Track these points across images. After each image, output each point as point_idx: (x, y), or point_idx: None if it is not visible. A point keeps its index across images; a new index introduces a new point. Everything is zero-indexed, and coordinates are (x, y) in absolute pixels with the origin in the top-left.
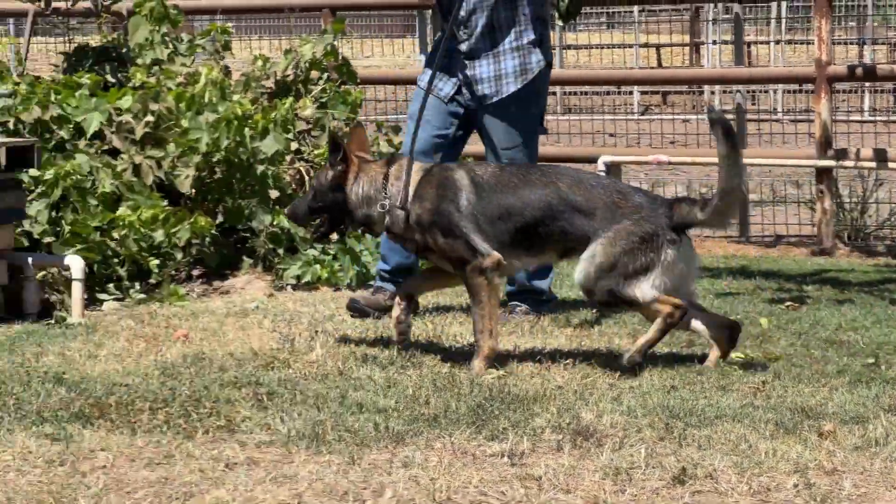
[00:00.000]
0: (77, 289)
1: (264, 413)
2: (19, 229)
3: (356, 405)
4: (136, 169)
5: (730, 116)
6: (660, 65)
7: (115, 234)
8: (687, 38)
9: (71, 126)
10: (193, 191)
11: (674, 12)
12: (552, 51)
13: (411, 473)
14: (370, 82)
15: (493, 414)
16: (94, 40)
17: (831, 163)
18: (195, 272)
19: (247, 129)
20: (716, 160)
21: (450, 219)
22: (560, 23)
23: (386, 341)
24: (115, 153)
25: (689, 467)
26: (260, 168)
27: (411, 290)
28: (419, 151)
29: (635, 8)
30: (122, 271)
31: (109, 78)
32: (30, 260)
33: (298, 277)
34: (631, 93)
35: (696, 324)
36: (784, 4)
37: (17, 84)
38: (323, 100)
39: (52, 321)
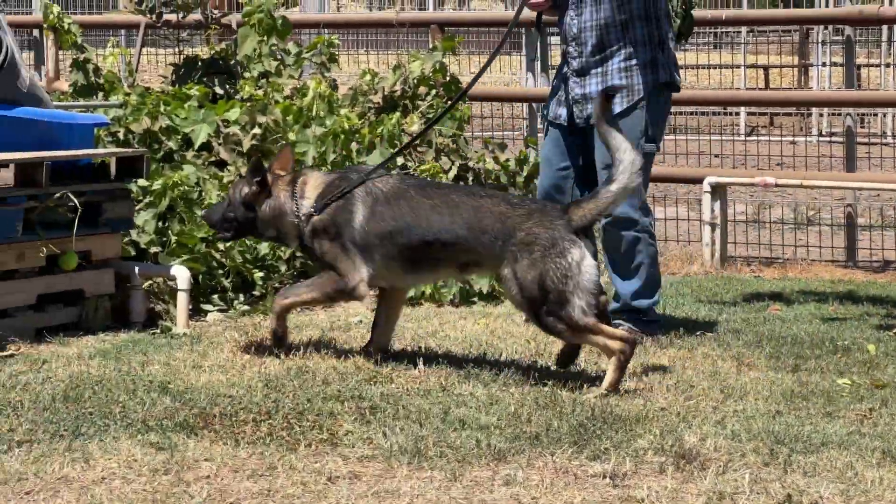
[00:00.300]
0: (182, 299)
1: (367, 427)
2: (127, 239)
3: (458, 421)
4: None
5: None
6: (767, 86)
7: (221, 246)
8: (795, 60)
9: (179, 137)
10: None
11: (783, 33)
12: (674, 70)
13: (513, 492)
14: (477, 99)
15: (594, 434)
16: (203, 52)
17: None
18: None
19: (353, 144)
20: (826, 183)
21: (339, 231)
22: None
23: (489, 359)
24: (222, 165)
25: (795, 494)
26: None
27: (382, 343)
28: (545, 191)
29: (743, 28)
30: (226, 283)
31: (218, 90)
32: (136, 269)
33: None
34: (737, 114)
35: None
36: None
37: (128, 95)
38: (430, 115)
39: (158, 331)
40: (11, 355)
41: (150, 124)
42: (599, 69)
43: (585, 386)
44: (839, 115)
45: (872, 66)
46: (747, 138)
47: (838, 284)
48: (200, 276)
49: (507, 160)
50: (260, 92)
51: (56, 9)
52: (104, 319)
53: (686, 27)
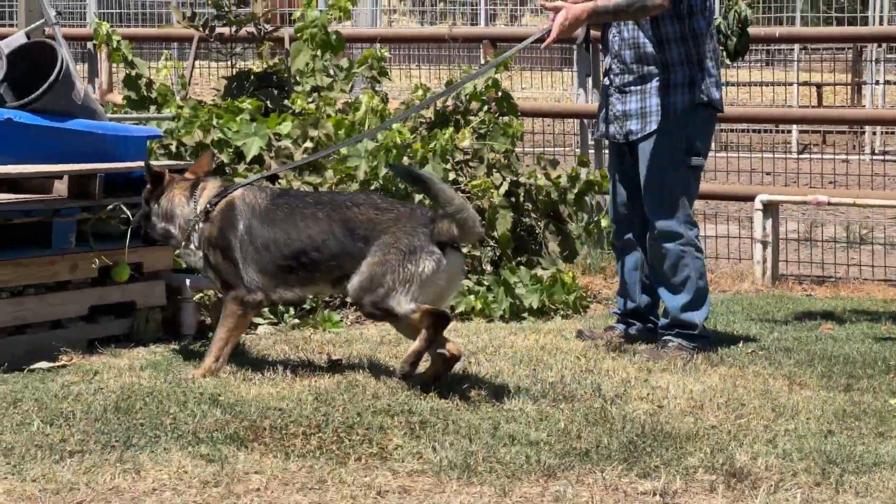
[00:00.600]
0: None
1: (416, 442)
2: None
3: (508, 437)
4: None
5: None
6: (820, 104)
7: None
8: (848, 78)
9: (231, 150)
10: None
11: (836, 51)
12: (714, 90)
13: None
14: (528, 114)
15: (644, 451)
16: (256, 66)
17: None
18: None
19: (405, 158)
20: (879, 202)
21: (227, 243)
22: (728, 61)
23: (538, 374)
24: (273, 178)
25: None
26: (417, 198)
27: None
28: (615, 208)
29: (796, 46)
30: None
31: (269, 103)
32: (188, 282)
33: (452, 308)
34: (789, 131)
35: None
36: None
37: (180, 108)
38: (482, 131)
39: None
40: (64, 366)
41: (202, 137)
42: (638, 87)
43: (635, 402)
44: (892, 133)
45: None
46: (799, 156)
47: (891, 304)
48: None
49: (559, 177)
50: (312, 106)
51: (106, 26)
52: (155, 331)
53: (741, 45)
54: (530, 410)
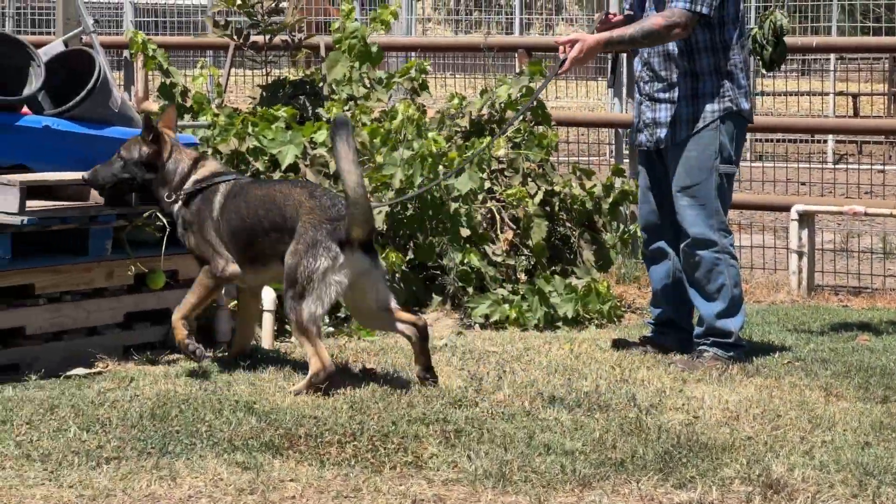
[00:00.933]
0: (268, 319)
1: (451, 451)
2: None
3: (543, 446)
4: None
5: None
6: (856, 114)
7: None
8: (885, 88)
9: (266, 158)
10: (385, 226)
11: (873, 61)
12: (743, 100)
13: None
14: (563, 124)
15: (680, 462)
16: (291, 74)
17: None
18: None
19: (441, 167)
20: None
21: (204, 224)
22: (764, 71)
23: (573, 384)
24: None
25: None
26: (453, 206)
27: (243, 346)
28: (644, 217)
29: (832, 56)
30: None
31: (305, 112)
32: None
33: (487, 316)
34: (825, 141)
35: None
36: None
37: (216, 115)
38: (517, 140)
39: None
40: (100, 372)
41: (237, 145)
42: (667, 95)
43: (670, 412)
44: None
45: None
46: (836, 166)
47: None
48: None
49: (594, 186)
50: (348, 114)
51: (141, 36)
52: None
53: (777, 55)
54: (565, 420)
